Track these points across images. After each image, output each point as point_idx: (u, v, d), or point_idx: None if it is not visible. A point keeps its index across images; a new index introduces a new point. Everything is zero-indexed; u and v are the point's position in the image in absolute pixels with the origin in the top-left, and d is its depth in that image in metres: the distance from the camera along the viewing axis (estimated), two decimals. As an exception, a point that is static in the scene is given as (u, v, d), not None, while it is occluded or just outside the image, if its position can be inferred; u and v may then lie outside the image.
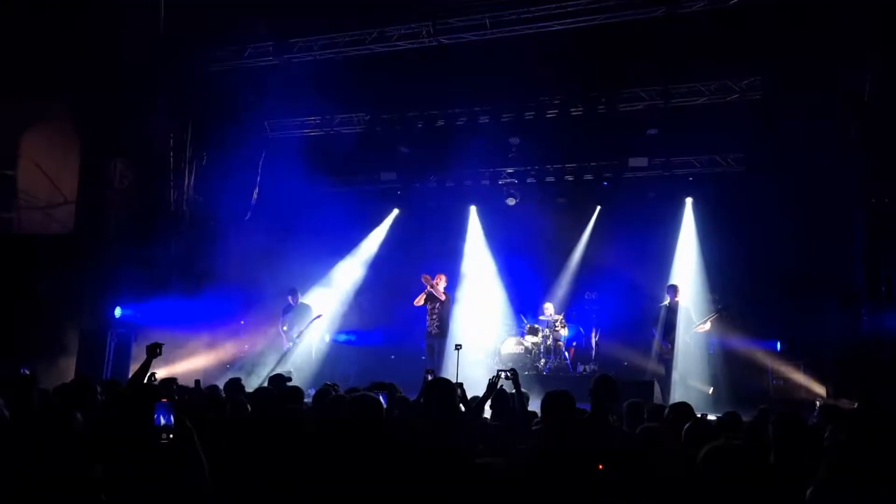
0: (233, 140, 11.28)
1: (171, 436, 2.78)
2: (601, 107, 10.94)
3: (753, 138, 10.75)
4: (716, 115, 10.72)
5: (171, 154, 11.48)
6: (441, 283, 9.99)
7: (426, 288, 9.88)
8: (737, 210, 11.15)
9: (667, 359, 9.71)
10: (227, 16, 10.53)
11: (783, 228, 10.40)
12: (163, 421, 2.79)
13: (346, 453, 3.05)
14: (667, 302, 9.96)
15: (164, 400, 2.87)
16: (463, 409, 5.08)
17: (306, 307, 10.79)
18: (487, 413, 5.31)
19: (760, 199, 10.75)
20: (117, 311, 10.45)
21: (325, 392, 5.41)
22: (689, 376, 9.74)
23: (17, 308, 9.67)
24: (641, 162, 11.71)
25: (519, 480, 3.14)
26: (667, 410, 4.77)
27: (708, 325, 9.92)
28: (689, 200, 11.99)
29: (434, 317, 9.81)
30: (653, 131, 11.25)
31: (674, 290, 10.04)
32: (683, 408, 4.56)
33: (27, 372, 6.14)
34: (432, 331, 9.79)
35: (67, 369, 9.50)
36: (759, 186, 10.81)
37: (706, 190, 11.72)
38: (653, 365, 10.22)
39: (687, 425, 4.18)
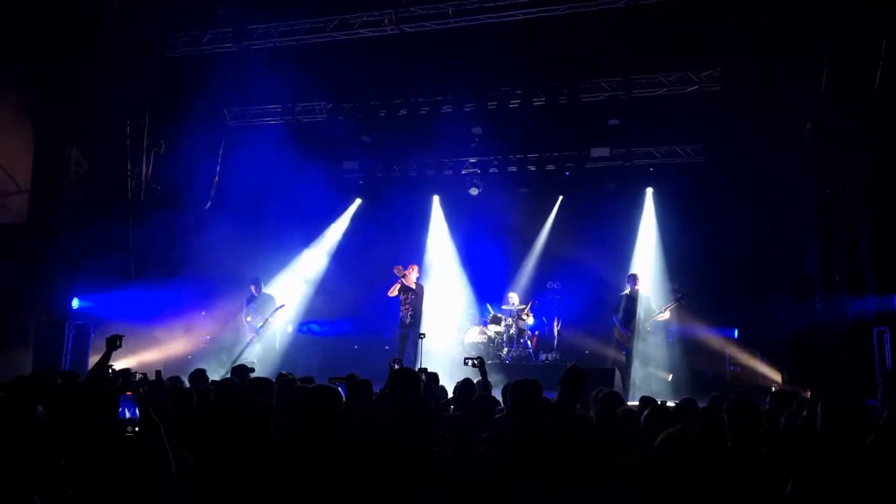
0: (191, 128, 11.08)
1: (137, 429, 2.76)
2: (563, 97, 11.00)
3: (712, 130, 10.92)
4: (676, 106, 10.87)
5: (129, 142, 11.24)
6: (413, 273, 9.99)
7: (398, 278, 9.82)
8: (696, 200, 11.35)
9: (627, 347, 9.87)
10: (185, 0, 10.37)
11: (740, 218, 10.63)
12: (128, 414, 2.77)
13: (305, 445, 3.06)
14: (627, 291, 10.12)
15: (129, 393, 2.84)
16: (429, 394, 5.10)
17: (269, 297, 10.69)
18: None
19: (718, 189, 10.98)
20: (75, 303, 10.26)
21: (288, 382, 5.40)
22: (649, 363, 9.91)
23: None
24: (603, 152, 11.83)
25: (485, 469, 3.17)
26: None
27: (667, 314, 10.11)
28: (649, 190, 12.15)
29: (407, 307, 9.80)
30: (614, 122, 11.37)
31: (634, 278, 10.20)
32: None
33: None
34: (406, 321, 9.77)
35: (24, 361, 9.30)
36: (717, 177, 11.03)
37: (666, 180, 11.90)
38: (613, 353, 10.38)
39: (646, 412, 4.29)
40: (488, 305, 11.83)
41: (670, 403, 5.98)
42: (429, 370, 6.05)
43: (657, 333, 10.22)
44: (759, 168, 10.61)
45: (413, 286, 9.97)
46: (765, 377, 10.05)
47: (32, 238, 10.26)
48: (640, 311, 9.89)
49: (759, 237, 10.56)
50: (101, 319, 10.04)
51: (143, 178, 11.47)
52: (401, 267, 9.94)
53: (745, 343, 10.59)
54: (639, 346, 9.79)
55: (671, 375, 10.21)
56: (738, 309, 10.90)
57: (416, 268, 10.08)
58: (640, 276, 10.26)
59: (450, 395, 5.76)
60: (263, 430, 3.24)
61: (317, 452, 2.99)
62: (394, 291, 9.85)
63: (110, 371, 6.01)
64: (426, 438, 3.63)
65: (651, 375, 9.78)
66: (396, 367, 6.19)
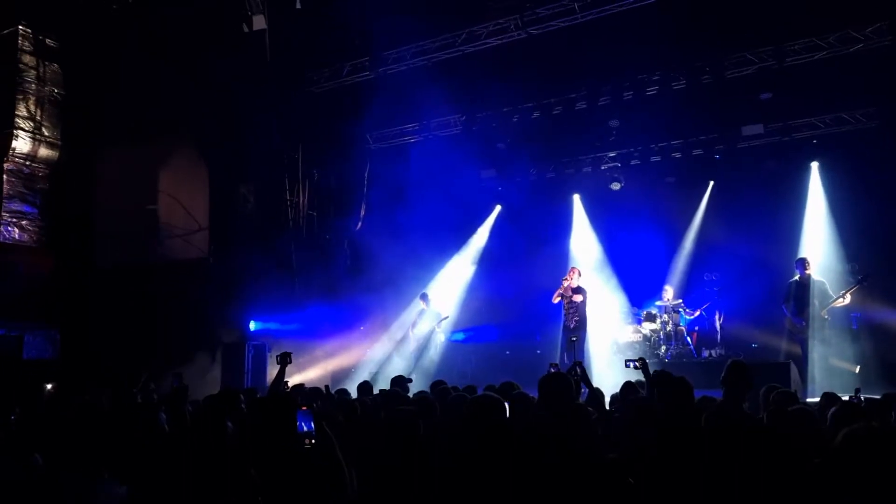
0: (339, 155, 11.83)
1: (313, 441, 2.94)
2: (706, 77, 10.34)
3: (885, 90, 9.74)
4: (838, 69, 9.81)
5: (286, 175, 12.25)
6: (574, 276, 9.76)
7: (561, 285, 9.72)
8: (871, 169, 10.15)
9: (802, 338, 8.99)
10: (324, 39, 11.11)
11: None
12: (304, 427, 2.96)
13: (469, 454, 3.05)
14: (797, 277, 9.21)
15: (305, 408, 3.04)
16: (586, 392, 4.99)
17: (436, 311, 11.22)
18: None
19: (897, 153, 9.74)
20: (252, 325, 11.32)
21: (443, 392, 5.57)
22: (831, 355, 8.96)
23: (168, 327, 10.71)
24: (756, 129, 10.97)
25: (645, 471, 3.03)
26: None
27: (848, 299, 9.04)
28: (814, 165, 11.07)
29: (572, 311, 9.65)
30: (766, 96, 10.50)
31: (803, 263, 9.26)
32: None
33: (178, 384, 6.86)
34: (570, 325, 9.63)
35: (214, 380, 10.43)
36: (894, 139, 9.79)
37: (833, 152, 10.76)
38: (786, 345, 9.53)
39: (833, 409, 3.88)
40: (635, 309, 11.39)
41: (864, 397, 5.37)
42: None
43: (838, 321, 9.22)
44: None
45: (573, 289, 9.73)
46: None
47: (214, 269, 11.48)
48: (814, 297, 8.97)
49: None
50: (274, 339, 10.99)
51: (301, 207, 12.42)
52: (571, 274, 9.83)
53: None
54: (816, 337, 8.89)
55: (858, 367, 9.16)
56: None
57: (576, 270, 9.89)
58: (809, 260, 9.29)
59: (606, 397, 5.59)
60: (413, 440, 3.34)
61: (479, 462, 2.97)
62: (556, 297, 9.73)
63: (286, 387, 6.57)
64: (584, 440, 3.55)
65: (833, 368, 8.82)
66: (552, 370, 6.11)
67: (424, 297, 11.39)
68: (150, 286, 10.87)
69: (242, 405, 5.24)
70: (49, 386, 5.64)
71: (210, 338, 10.75)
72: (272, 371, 8.43)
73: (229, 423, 4.07)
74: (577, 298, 9.51)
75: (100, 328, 10.17)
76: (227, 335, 11.04)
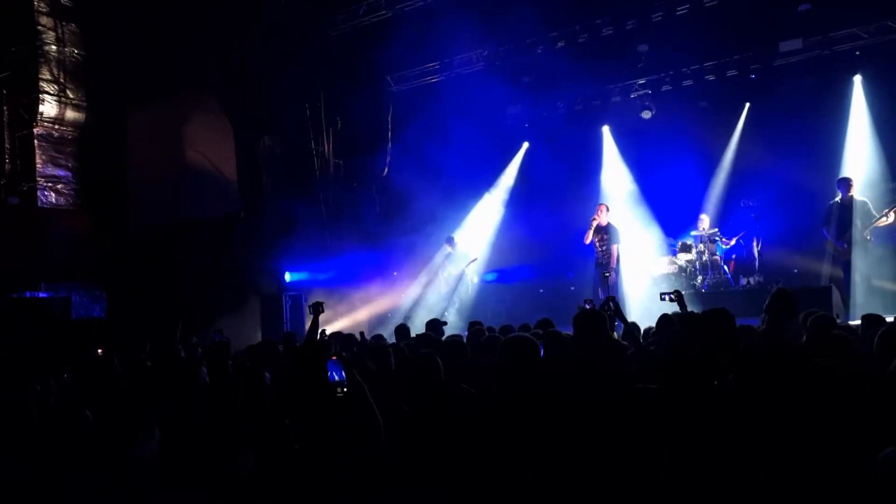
0: (361, 100, 11.66)
1: (345, 390, 2.97)
2: (739, -11, 9.79)
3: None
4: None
5: (310, 123, 12.17)
6: (603, 214, 9.50)
7: (591, 224, 9.54)
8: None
9: (844, 261, 8.71)
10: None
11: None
12: (336, 377, 2.99)
13: (501, 398, 3.07)
14: (839, 198, 8.85)
15: (335, 357, 3.07)
16: (621, 327, 4.96)
17: (464, 253, 11.21)
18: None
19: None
20: (287, 276, 11.50)
21: (477, 333, 5.60)
22: (874, 276, 8.71)
23: (205, 281, 10.95)
24: (794, 45, 10.39)
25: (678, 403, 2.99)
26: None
27: (892, 217, 8.66)
28: (857, 79, 10.50)
29: (604, 248, 9.47)
30: (805, 7, 9.90)
31: (846, 183, 8.87)
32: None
33: (220, 339, 7.05)
34: (603, 260, 9.45)
35: (254, 331, 10.70)
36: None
37: (878, 63, 10.18)
38: (828, 269, 9.27)
39: (881, 330, 3.74)
40: (669, 240, 11.19)
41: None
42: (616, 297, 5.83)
43: (881, 242, 8.91)
44: None
45: (605, 225, 9.50)
46: None
47: (246, 223, 11.61)
48: (857, 218, 8.65)
49: None
50: (310, 288, 11.17)
51: (327, 155, 12.38)
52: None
53: None
54: (859, 258, 8.63)
55: (904, 287, 8.91)
56: None
57: (603, 207, 9.64)
58: (853, 180, 8.91)
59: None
60: (439, 381, 3.36)
61: (515, 403, 2.99)
62: (589, 237, 9.56)
63: (325, 335, 6.67)
64: (618, 376, 3.53)
65: (876, 290, 8.58)
66: (587, 306, 6.06)
67: (450, 240, 11.35)
68: (185, 243, 11.05)
69: (280, 355, 5.38)
70: (99, 350, 5.83)
71: (247, 291, 10.96)
72: (310, 321, 8.64)
73: (267, 375, 4.17)
74: (608, 240, 9.34)
75: (141, 286, 10.43)
76: (264, 287, 11.25)
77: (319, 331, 6.50)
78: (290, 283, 11.40)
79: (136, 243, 10.77)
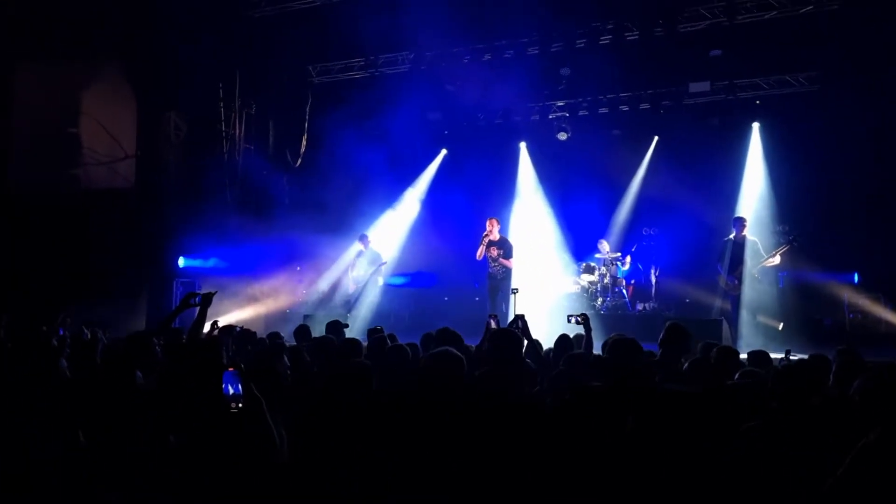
0: (279, 87, 11.22)
1: (241, 405, 2.63)
2: (658, 29, 10.22)
3: (829, 55, 9.86)
4: (787, 30, 9.86)
5: (222, 104, 11.58)
6: (495, 227, 9.51)
7: (482, 239, 9.49)
8: (809, 132, 10.40)
9: (733, 295, 9.24)
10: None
11: (860, 150, 9.63)
12: (231, 390, 2.64)
13: (424, 416, 2.88)
14: (732, 235, 9.40)
15: (232, 368, 2.71)
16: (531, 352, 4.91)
17: (376, 253, 10.88)
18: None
19: (835, 118, 9.98)
20: (181, 261, 10.83)
21: (379, 342, 5.34)
22: (758, 312, 9.28)
23: (90, 260, 10.12)
24: (703, 87, 11.00)
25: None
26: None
27: (778, 259, 9.30)
28: (755, 126, 11.25)
29: (496, 262, 9.46)
30: (716, 52, 10.49)
31: (740, 222, 9.42)
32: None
33: (88, 337, 6.29)
34: (496, 275, 9.47)
35: (138, 318, 9.99)
36: (834, 105, 10.00)
37: (774, 113, 10.95)
38: (719, 302, 9.80)
39: (778, 367, 3.80)
40: (575, 262, 11.48)
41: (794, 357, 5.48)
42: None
43: (766, 280, 9.52)
44: (881, 96, 9.50)
45: (497, 240, 9.53)
46: (890, 324, 9.22)
47: (141, 201, 10.86)
48: (748, 256, 9.20)
49: (882, 170, 9.53)
50: (205, 276, 10.57)
51: (237, 139, 11.82)
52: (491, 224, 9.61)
53: (867, 288, 9.72)
54: (746, 295, 9.17)
55: (782, 324, 9.55)
56: (858, 251, 9.98)
57: (495, 221, 9.61)
58: (746, 220, 9.48)
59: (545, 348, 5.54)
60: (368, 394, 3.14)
61: (435, 419, 2.83)
62: (481, 253, 9.54)
63: (215, 328, 6.20)
64: (525, 395, 3.46)
65: (759, 325, 9.17)
66: (493, 323, 5.98)
67: (363, 238, 11.01)
68: (71, 215, 10.18)
69: (158, 350, 4.76)
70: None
71: (135, 274, 10.25)
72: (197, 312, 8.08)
73: (139, 373, 3.74)
74: (494, 253, 9.37)
75: (13, 258, 9.49)
76: (154, 271, 10.55)
77: (210, 323, 6.06)
78: (183, 268, 10.74)
79: (13, 210, 9.81)
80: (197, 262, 10.82)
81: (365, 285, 10.60)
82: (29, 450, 2.76)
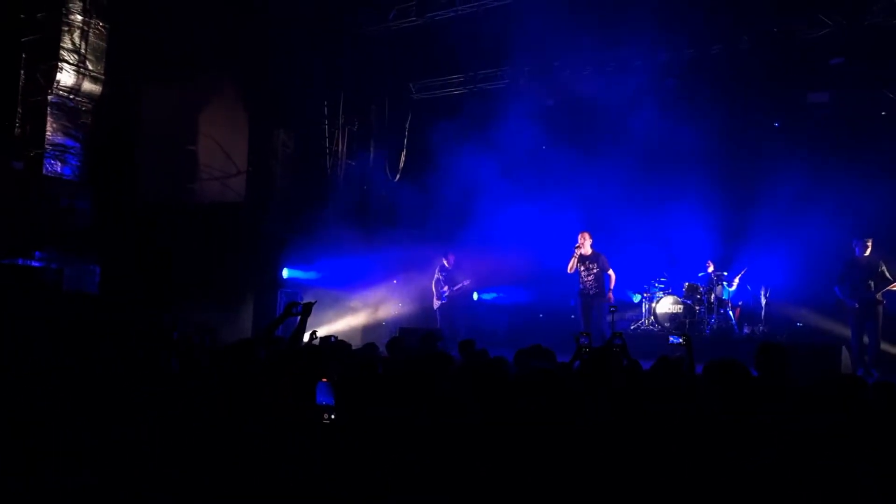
0: (381, 104, 11.53)
1: (333, 417, 2.70)
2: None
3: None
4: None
5: (327, 122, 12.04)
6: (586, 241, 9.24)
7: (574, 253, 9.28)
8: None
9: (853, 320, 8.55)
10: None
11: None
12: (324, 401, 2.73)
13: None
14: (854, 256, 8.70)
15: (325, 380, 2.80)
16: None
17: (460, 269, 10.88)
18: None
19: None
20: (285, 272, 11.30)
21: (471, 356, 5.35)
22: (884, 339, 8.52)
23: (202, 270, 10.76)
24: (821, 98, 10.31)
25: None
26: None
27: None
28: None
29: (591, 277, 9.17)
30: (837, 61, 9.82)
31: (863, 242, 8.71)
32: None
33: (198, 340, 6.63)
34: (590, 291, 9.18)
35: (244, 324, 10.49)
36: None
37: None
38: (837, 327, 9.09)
39: None
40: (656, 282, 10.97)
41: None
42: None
43: (891, 305, 8.71)
44: None
45: (589, 254, 9.25)
46: None
47: (250, 213, 11.45)
48: (871, 279, 8.47)
49: None
50: (307, 287, 10.97)
51: (340, 155, 12.24)
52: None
53: None
54: (868, 319, 8.43)
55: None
56: None
57: (587, 234, 9.31)
58: (871, 239, 8.71)
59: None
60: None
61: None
62: (572, 266, 9.33)
63: (314, 338, 6.38)
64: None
65: (883, 353, 8.42)
66: (583, 339, 5.86)
67: (447, 255, 10.95)
68: (187, 227, 10.88)
69: (262, 356, 4.92)
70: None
71: (243, 283, 10.77)
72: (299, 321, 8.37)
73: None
74: (595, 269, 9.12)
75: (137, 266, 10.25)
76: (260, 281, 11.06)
77: (309, 332, 6.21)
78: (287, 279, 11.21)
79: (138, 223, 10.61)
80: (300, 273, 11.25)
81: (451, 303, 10.57)
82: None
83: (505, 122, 11.63)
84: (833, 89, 10.23)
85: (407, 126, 12.50)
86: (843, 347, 7.59)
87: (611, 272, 9.12)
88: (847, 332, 8.66)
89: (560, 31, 10.06)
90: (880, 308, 8.38)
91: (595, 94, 10.80)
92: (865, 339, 8.34)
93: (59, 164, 10.87)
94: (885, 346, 8.51)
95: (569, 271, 9.33)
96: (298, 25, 11.01)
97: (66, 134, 10.94)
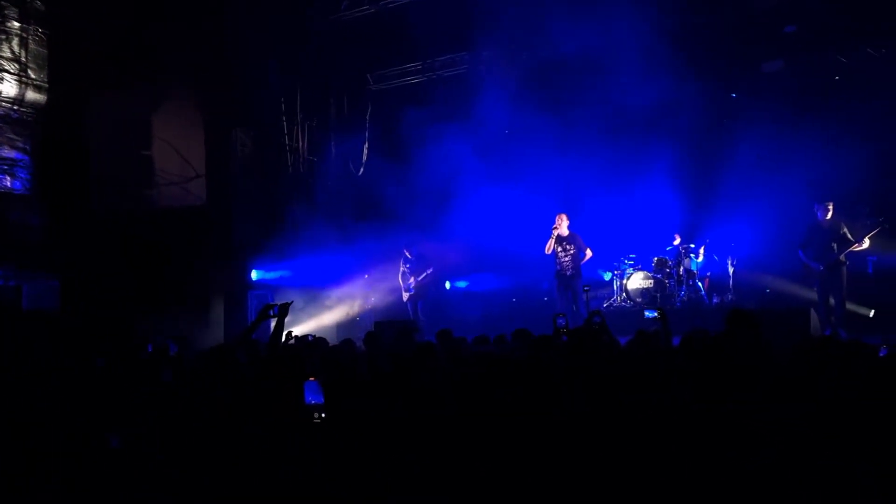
0: (339, 98, 11.34)
1: (323, 415, 2.69)
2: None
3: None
4: None
5: (284, 119, 11.81)
6: (563, 222, 9.35)
7: (551, 234, 9.33)
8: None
9: (818, 282, 8.75)
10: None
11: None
12: (313, 400, 2.71)
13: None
14: (817, 220, 8.87)
15: (313, 379, 2.79)
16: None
17: (423, 259, 10.78)
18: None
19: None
20: (254, 274, 11.09)
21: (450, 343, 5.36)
22: (847, 300, 8.74)
23: (167, 277, 10.49)
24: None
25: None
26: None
27: (867, 243, 8.71)
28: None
29: (568, 258, 9.28)
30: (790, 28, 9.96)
31: (825, 206, 8.87)
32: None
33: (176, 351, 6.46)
34: (566, 273, 9.28)
35: (213, 330, 10.27)
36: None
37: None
38: (802, 291, 9.28)
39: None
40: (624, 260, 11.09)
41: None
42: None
43: (854, 265, 8.94)
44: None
45: (566, 235, 9.38)
46: None
47: (213, 217, 11.18)
48: (834, 242, 8.66)
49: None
50: (277, 288, 10.78)
51: (301, 152, 12.02)
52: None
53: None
54: (832, 281, 8.63)
55: (873, 311, 8.97)
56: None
57: (564, 216, 9.43)
58: (832, 203, 8.87)
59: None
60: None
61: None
62: (549, 247, 9.40)
63: (290, 339, 6.27)
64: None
65: (849, 313, 8.64)
66: (560, 321, 5.91)
67: (408, 245, 10.81)
68: (147, 235, 10.58)
69: (240, 360, 4.82)
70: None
71: (212, 288, 10.54)
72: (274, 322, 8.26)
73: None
74: (572, 250, 9.22)
75: (98, 277, 9.94)
76: (229, 285, 10.84)
77: (285, 333, 6.11)
78: (256, 280, 11.00)
79: (95, 234, 10.28)
80: (270, 274, 11.06)
81: (418, 293, 10.50)
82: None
83: (466, 109, 11.56)
84: (787, 56, 10.38)
85: (367, 118, 12.33)
86: (811, 310, 7.75)
87: (588, 252, 9.33)
88: (814, 295, 8.85)
89: (518, 12, 10.00)
90: (844, 269, 8.59)
91: (556, 76, 10.77)
92: (832, 301, 8.54)
93: (9, 178, 10.45)
94: (850, 306, 8.74)
95: (546, 252, 9.42)
96: (251, 22, 10.74)
97: (12, 147, 10.51)
